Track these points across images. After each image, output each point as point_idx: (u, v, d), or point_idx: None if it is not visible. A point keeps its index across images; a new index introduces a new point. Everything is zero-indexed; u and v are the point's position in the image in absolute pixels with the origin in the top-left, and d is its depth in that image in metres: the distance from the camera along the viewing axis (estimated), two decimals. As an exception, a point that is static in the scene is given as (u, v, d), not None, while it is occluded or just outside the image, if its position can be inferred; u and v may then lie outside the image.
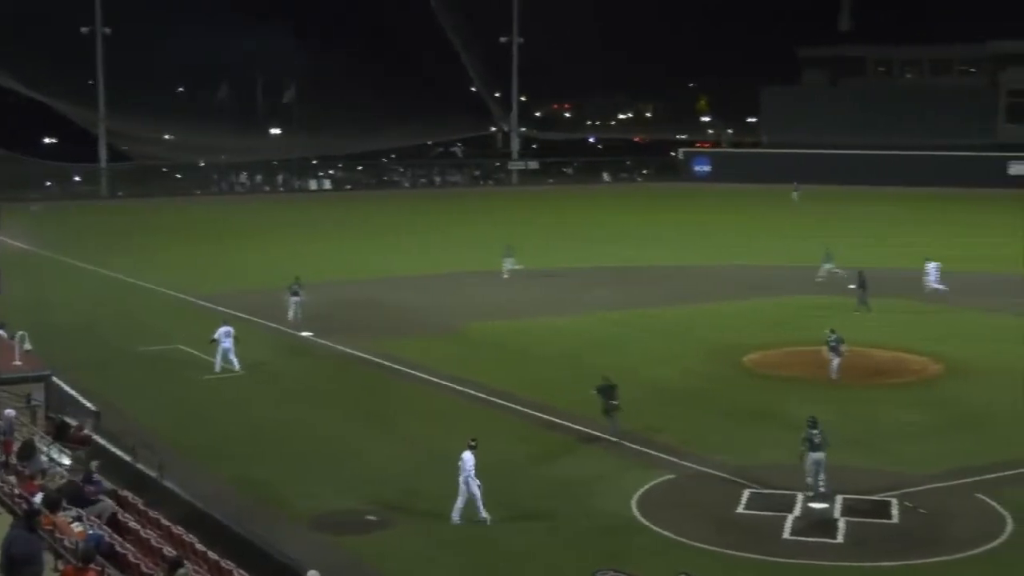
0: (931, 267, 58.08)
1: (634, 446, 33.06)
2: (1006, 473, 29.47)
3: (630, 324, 51.03)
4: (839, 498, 28.30)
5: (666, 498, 28.96)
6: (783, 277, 60.71)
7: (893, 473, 30.27)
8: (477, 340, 47.69)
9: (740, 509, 28.10)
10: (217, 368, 41.60)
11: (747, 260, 66.11)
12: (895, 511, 27.79)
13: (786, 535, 26.49)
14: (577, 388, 37.44)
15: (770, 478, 29.76)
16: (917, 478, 29.52)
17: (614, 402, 33.97)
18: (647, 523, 27.11)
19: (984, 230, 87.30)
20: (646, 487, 29.51)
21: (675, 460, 31.69)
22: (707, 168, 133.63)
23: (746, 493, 28.98)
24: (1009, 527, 26.70)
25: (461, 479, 27.18)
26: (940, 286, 56.92)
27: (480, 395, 38.64)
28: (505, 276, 62.63)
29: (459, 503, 27.18)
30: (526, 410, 36.70)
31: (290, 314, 50.08)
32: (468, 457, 27.39)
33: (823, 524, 27.02)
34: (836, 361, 40.04)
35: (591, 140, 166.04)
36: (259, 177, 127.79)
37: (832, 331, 40.81)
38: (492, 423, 35.42)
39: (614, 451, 32.76)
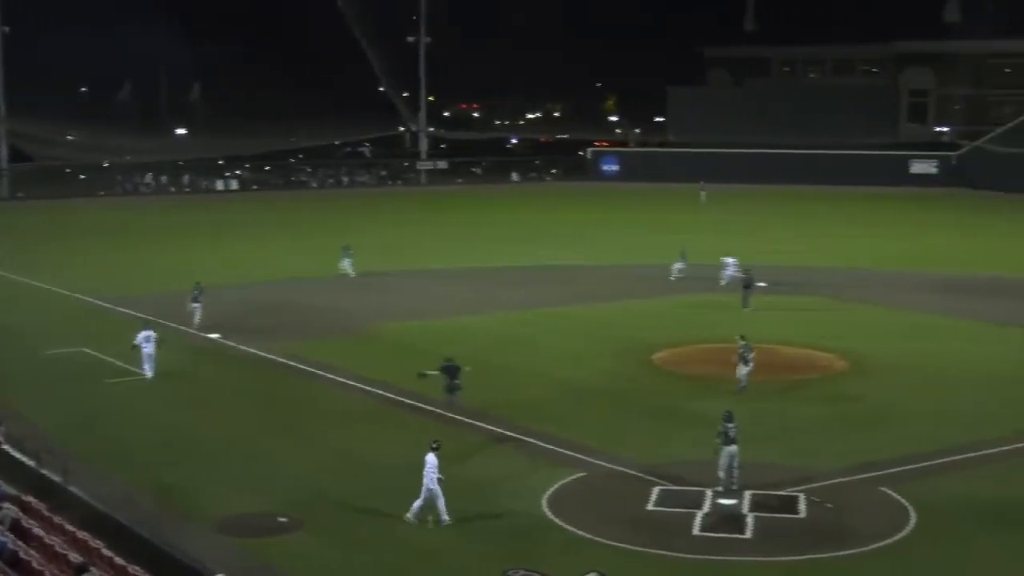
0: (729, 262, 59.67)
1: (545, 445, 33.12)
2: (909, 467, 29.93)
3: (538, 324, 51.14)
4: (747, 494, 28.56)
5: (577, 496, 29.04)
6: (690, 275, 61.09)
7: (800, 468, 30.62)
8: (386, 341, 47.53)
9: (650, 506, 28.26)
10: (148, 374, 40.99)
11: (654, 259, 66.49)
12: (802, 506, 28.11)
13: (696, 531, 26.68)
14: (485, 387, 37.48)
15: (680, 475, 29.97)
16: (823, 473, 29.89)
17: (456, 381, 35.67)
18: (558, 521, 27.17)
19: (883, 228, 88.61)
20: (557, 486, 29.57)
21: (585, 458, 31.80)
22: (615, 167, 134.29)
23: (656, 490, 29.15)
24: (912, 520, 27.12)
25: (425, 480, 27.04)
26: (731, 278, 58.70)
27: (389, 395, 38.50)
28: (352, 275, 62.46)
29: (417, 503, 27.08)
30: (436, 410, 36.61)
31: (195, 319, 49.53)
32: (431, 459, 27.36)
33: (732, 520, 27.26)
34: (744, 370, 38.94)
35: (514, 141, 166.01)
36: (164, 178, 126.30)
37: (742, 338, 39.60)
38: (401, 424, 35.35)
39: (524, 450, 32.80)
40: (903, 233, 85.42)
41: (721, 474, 28.97)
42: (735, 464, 28.89)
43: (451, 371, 35.77)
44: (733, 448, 28.91)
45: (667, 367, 42.93)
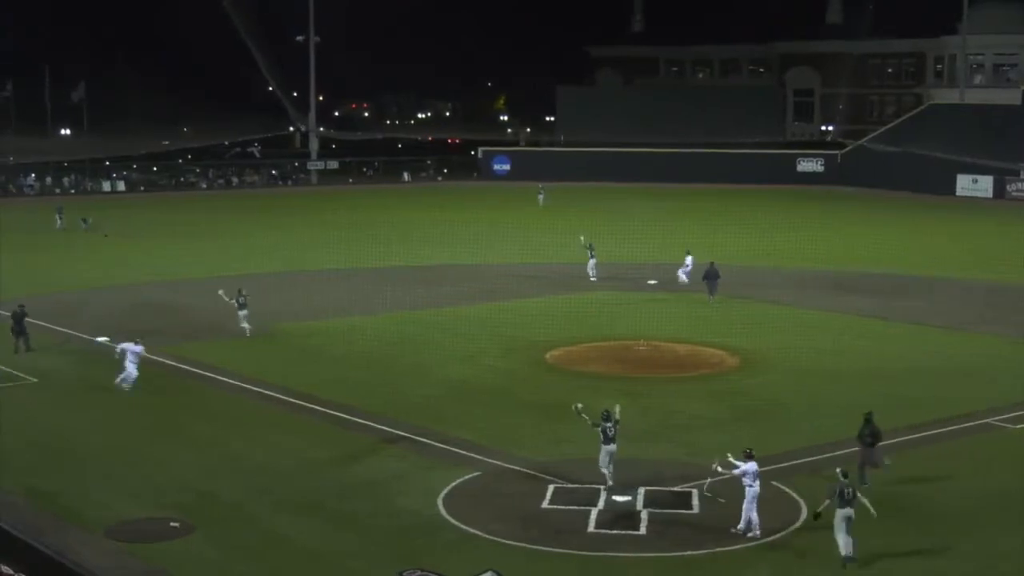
0: (688, 260, 60.46)
1: (439, 444, 33.02)
2: (798, 461, 30.31)
3: (430, 323, 50.98)
4: (641, 490, 28.71)
5: (472, 495, 28.98)
6: (581, 274, 61.36)
7: (693, 464, 30.82)
8: (276, 342, 47.05)
9: (545, 504, 28.29)
10: (126, 383, 38.96)
11: (547, 258, 66.67)
12: (695, 501, 28.32)
13: (591, 528, 26.77)
14: (378, 388, 37.28)
15: (574, 473, 30.02)
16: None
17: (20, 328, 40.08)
18: (453, 521, 27.09)
19: (771, 225, 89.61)
20: (451, 485, 29.49)
21: (480, 457, 31.76)
22: (506, 167, 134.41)
23: (551, 488, 29.19)
24: (803, 513, 27.45)
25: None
26: (685, 278, 59.50)
27: (280, 397, 38.13)
28: None
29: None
30: (327, 411, 36.33)
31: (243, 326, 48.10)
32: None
33: (626, 516, 27.39)
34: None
35: (420, 139, 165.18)
36: (49, 179, 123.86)
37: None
38: (292, 425, 35.04)
39: (418, 450, 32.66)
40: (790, 231, 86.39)
41: (604, 471, 29.23)
42: (612, 461, 29.17)
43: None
44: (612, 447, 29.13)
45: (561, 365, 43.02)
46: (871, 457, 29.44)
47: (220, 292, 48.38)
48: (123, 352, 39.29)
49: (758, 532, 26.17)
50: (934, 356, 44.57)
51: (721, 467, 27.04)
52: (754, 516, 26.27)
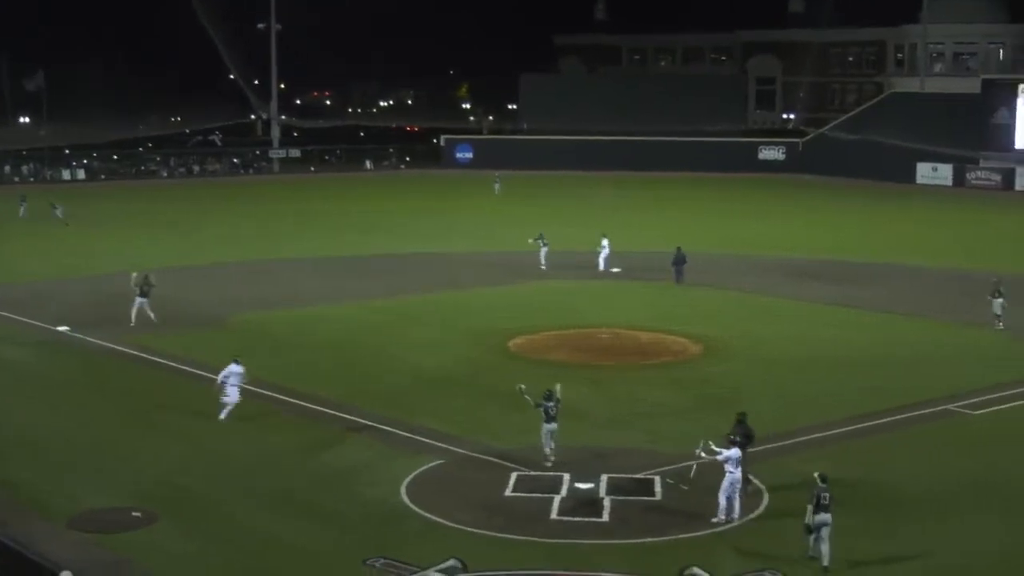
0: (603, 243, 60.61)
1: (403, 433, 33.12)
2: (761, 448, 30.48)
3: (392, 312, 51.00)
4: (604, 477, 28.90)
5: (435, 484, 29.12)
6: (538, 263, 61.36)
7: (655, 451, 31.08)
8: (241, 331, 46.95)
9: (508, 492, 28.45)
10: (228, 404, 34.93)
11: (508, 246, 66.75)
12: (658, 488, 28.55)
13: (553, 515, 26.96)
14: (343, 377, 37.34)
15: (537, 461, 30.19)
16: (677, 456, 30.22)
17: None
18: (417, 509, 27.22)
19: (733, 213, 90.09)
20: (415, 473, 29.61)
21: (444, 445, 31.88)
22: (469, 155, 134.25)
23: (514, 476, 29.36)
24: (765, 499, 27.78)
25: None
26: (605, 266, 59.83)
27: (246, 387, 38.03)
28: None
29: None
30: (293, 400, 36.36)
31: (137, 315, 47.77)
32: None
33: (589, 503, 27.59)
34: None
35: (395, 126, 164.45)
36: (7, 167, 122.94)
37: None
38: (259, 415, 35.01)
39: (382, 439, 32.75)
40: (752, 218, 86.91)
41: (546, 450, 29.90)
42: (553, 440, 29.96)
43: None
44: (553, 425, 29.95)
45: (524, 354, 43.16)
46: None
47: (133, 275, 47.98)
48: (226, 377, 34.82)
49: (735, 516, 26.45)
50: (897, 344, 44.92)
51: (704, 453, 27.25)
52: (728, 501, 26.49)
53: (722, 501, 26.46)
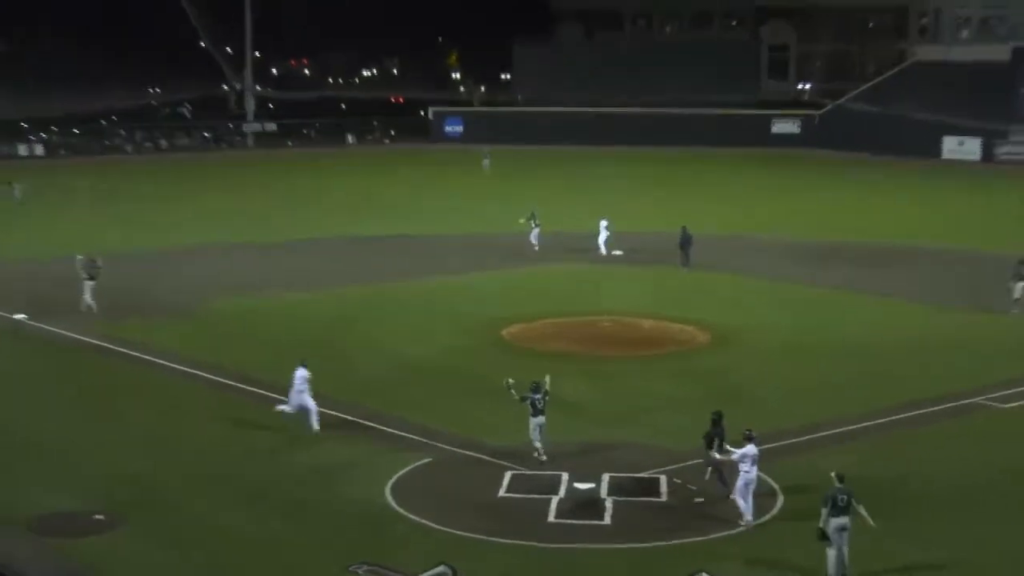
0: (603, 226, 60.46)
1: (388, 429, 33.07)
2: (774, 445, 30.43)
3: (379, 298, 50.94)
4: (606, 477, 28.86)
5: (423, 484, 29.07)
6: (542, 245, 61.34)
7: (661, 449, 31.03)
8: (215, 319, 46.91)
9: (502, 492, 28.41)
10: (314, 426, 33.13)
11: (500, 227, 66.63)
12: (664, 488, 28.51)
13: (551, 518, 26.91)
14: (323, 369, 37.22)
15: (533, 458, 30.12)
16: (685, 453, 30.16)
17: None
18: (403, 511, 27.15)
19: (742, 191, 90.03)
20: (401, 472, 29.56)
21: (432, 443, 31.84)
22: (459, 129, 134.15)
23: (508, 475, 29.32)
24: (780, 500, 27.72)
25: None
26: (605, 249, 59.90)
27: (219, 379, 38.06)
28: None
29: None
30: (269, 394, 36.24)
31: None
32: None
33: (589, 505, 27.54)
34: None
35: (366, 99, 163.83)
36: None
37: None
38: (232, 409, 34.99)
39: (366, 435, 32.70)
40: (764, 196, 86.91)
41: (536, 445, 29.93)
42: (542, 434, 29.99)
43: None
44: (541, 419, 29.96)
45: (518, 344, 43.11)
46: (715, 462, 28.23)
47: (78, 258, 47.86)
48: (299, 386, 33.17)
49: (751, 519, 26.36)
50: (920, 331, 44.95)
51: (719, 453, 27.17)
52: (745, 503, 26.35)
53: (741, 502, 26.39)
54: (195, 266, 58.33)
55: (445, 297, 50.95)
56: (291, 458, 31.01)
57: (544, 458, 29.94)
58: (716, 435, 28.05)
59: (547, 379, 30.87)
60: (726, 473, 27.58)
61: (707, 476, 28.26)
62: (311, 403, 32.80)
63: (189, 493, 28.39)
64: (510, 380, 31.00)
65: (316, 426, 32.68)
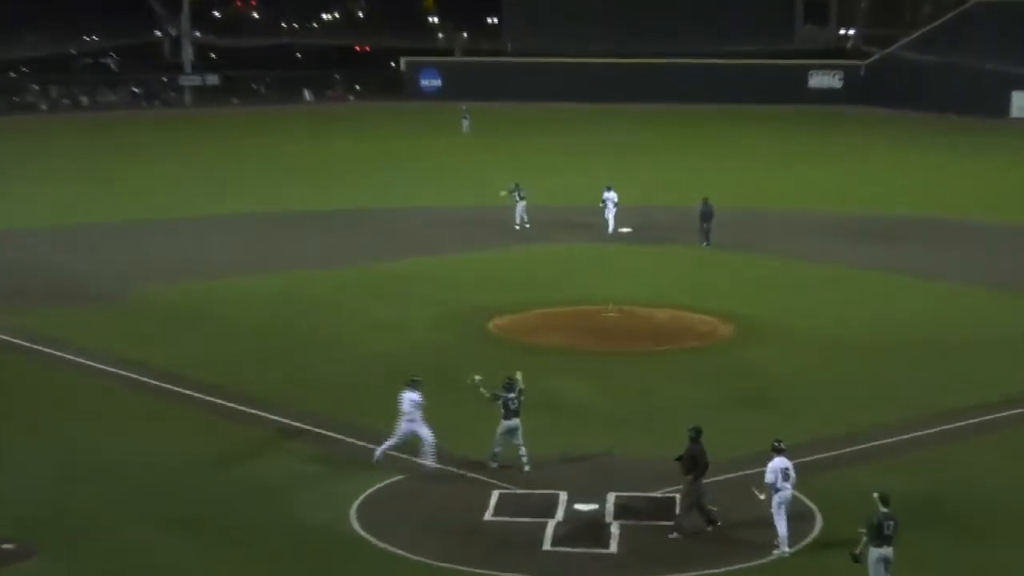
0: (608, 197, 60.43)
1: (352, 440, 33.01)
2: (811, 457, 30.44)
3: (340, 283, 50.96)
4: (611, 496, 28.82)
5: (394, 505, 29.02)
6: (530, 220, 61.37)
7: (675, 462, 30.91)
8: (146, 309, 46.84)
9: (488, 515, 28.36)
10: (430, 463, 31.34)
11: (482, 200, 66.63)
12: (679, 509, 28.42)
13: (547, 546, 26.83)
14: (275, 367, 37.22)
15: (525, 475, 30.11)
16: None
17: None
18: (370, 538, 27.09)
19: (772, 157, 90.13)
20: (368, 492, 29.50)
21: (405, 456, 31.72)
22: (437, 83, 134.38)
23: (495, 495, 29.26)
24: (819, 522, 27.65)
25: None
26: (612, 225, 60.04)
27: (150, 380, 37.97)
28: None
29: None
30: (210, 397, 36.23)
31: None
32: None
33: (592, 530, 27.48)
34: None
35: (341, 45, 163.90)
36: None
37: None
38: (166, 414, 34.94)
39: (326, 447, 32.64)
40: (799, 162, 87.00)
41: (497, 449, 30.33)
42: (517, 438, 30.19)
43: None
44: (514, 422, 30.19)
45: (508, 337, 43.10)
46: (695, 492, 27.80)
47: None
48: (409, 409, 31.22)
49: (786, 549, 26.27)
50: (979, 322, 45.06)
51: (757, 491, 26.91)
52: (781, 525, 26.26)
53: (780, 527, 26.25)
54: (123, 245, 58.29)
55: (419, 282, 50.92)
56: (236, 473, 30.93)
57: (496, 464, 30.15)
58: (688, 456, 27.58)
59: (519, 376, 31.04)
60: (704, 500, 27.48)
61: (762, 496, 27.73)
62: (427, 433, 30.98)
63: (112, 517, 28.26)
64: (477, 377, 31.13)
65: (432, 463, 30.87)
